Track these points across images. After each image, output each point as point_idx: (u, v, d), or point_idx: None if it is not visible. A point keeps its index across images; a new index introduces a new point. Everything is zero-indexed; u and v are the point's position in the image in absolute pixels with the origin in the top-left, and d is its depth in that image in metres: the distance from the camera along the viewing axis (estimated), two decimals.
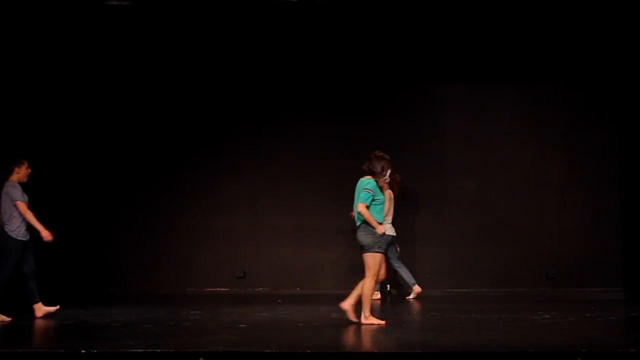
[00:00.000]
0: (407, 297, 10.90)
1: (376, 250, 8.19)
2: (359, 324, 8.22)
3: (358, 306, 8.29)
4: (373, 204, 8.25)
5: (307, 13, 11.00)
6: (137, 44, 11.70)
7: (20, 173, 9.11)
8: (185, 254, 11.99)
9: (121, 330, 8.14)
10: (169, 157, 11.94)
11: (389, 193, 10.79)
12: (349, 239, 11.84)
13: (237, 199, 11.94)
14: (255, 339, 7.67)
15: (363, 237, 8.23)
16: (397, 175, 10.84)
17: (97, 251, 11.85)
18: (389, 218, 10.82)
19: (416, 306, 10.04)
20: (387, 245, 10.72)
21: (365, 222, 8.23)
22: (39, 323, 8.65)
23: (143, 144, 12.01)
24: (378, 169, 8.41)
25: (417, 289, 10.91)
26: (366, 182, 8.35)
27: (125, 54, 11.80)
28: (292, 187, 11.97)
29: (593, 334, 7.79)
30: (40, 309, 9.07)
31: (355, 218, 8.38)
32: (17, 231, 8.90)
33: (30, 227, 8.99)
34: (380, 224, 8.23)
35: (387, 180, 10.77)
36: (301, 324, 8.41)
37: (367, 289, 8.19)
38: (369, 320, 8.21)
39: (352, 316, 8.32)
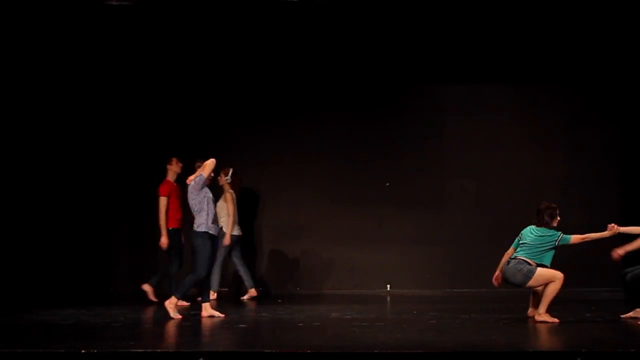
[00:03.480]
0: (241, 298, 10.86)
1: (530, 276, 8.45)
2: (352, 322, 8.23)
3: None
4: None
5: (307, 13, 11.00)
6: (137, 44, 11.69)
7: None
8: (186, 254, 11.98)
9: (121, 330, 8.14)
10: (169, 157, 11.91)
11: (231, 194, 10.83)
12: (350, 238, 11.88)
13: (237, 198, 11.92)
14: (255, 339, 7.67)
15: (516, 274, 8.53)
16: (239, 177, 10.90)
17: (97, 251, 11.84)
18: (235, 218, 10.83)
19: (416, 306, 10.02)
20: (233, 245, 10.79)
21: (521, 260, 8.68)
22: (39, 323, 8.64)
23: (143, 143, 12.00)
24: (546, 219, 9.11)
25: (252, 292, 10.84)
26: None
27: (125, 54, 11.80)
28: (292, 187, 11.97)
29: (593, 334, 7.79)
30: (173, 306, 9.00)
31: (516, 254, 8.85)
32: (203, 225, 8.83)
33: (216, 222, 9.01)
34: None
35: (229, 181, 10.85)
36: (301, 324, 8.41)
37: (550, 290, 8.42)
38: (542, 317, 8.41)
39: (550, 319, 8.40)
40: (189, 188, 8.88)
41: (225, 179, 10.76)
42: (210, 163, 8.81)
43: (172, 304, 8.70)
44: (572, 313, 9.20)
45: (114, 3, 10.54)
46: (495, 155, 11.95)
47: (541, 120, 11.98)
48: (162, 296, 9.64)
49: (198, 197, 8.79)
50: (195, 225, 8.81)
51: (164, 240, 10.19)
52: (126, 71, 11.95)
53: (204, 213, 8.78)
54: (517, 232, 11.86)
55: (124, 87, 12.04)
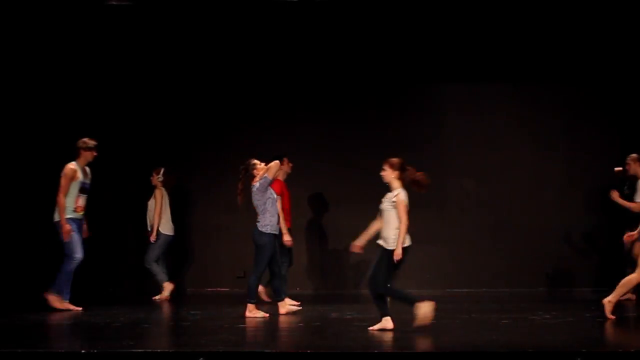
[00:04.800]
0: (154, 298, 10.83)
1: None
2: (352, 322, 8.22)
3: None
4: None
5: (307, 13, 11.01)
6: (137, 44, 11.70)
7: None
8: (186, 254, 12.00)
9: (121, 330, 8.14)
10: (168, 157, 11.92)
11: (160, 192, 10.96)
12: (349, 238, 11.87)
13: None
14: (255, 339, 7.67)
15: None
16: (172, 176, 10.92)
17: (97, 251, 11.83)
18: (166, 217, 10.97)
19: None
20: (165, 245, 10.81)
21: None
22: (39, 323, 8.63)
23: (142, 144, 12.00)
24: None
25: (169, 286, 10.87)
26: None
27: (125, 54, 11.80)
28: (291, 187, 11.93)
29: (593, 334, 7.79)
30: (284, 306, 9.20)
31: None
32: (268, 227, 8.91)
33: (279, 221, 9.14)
34: None
35: (161, 179, 10.93)
36: (301, 324, 8.41)
37: (627, 281, 8.51)
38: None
39: (608, 313, 8.48)
40: (254, 189, 9.01)
41: (157, 178, 10.90)
42: (275, 165, 8.95)
43: (252, 311, 8.93)
44: (572, 313, 9.20)
45: (114, 3, 10.55)
46: (495, 155, 11.95)
47: (541, 120, 11.97)
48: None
49: (263, 198, 8.97)
50: (260, 226, 8.95)
51: (287, 239, 10.07)
52: (126, 71, 11.94)
53: (268, 214, 8.95)
54: (517, 232, 11.92)
55: (124, 86, 12.04)
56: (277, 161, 9.03)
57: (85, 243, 11.74)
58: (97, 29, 11.33)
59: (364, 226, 11.94)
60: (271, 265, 9.15)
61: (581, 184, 11.86)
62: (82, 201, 9.73)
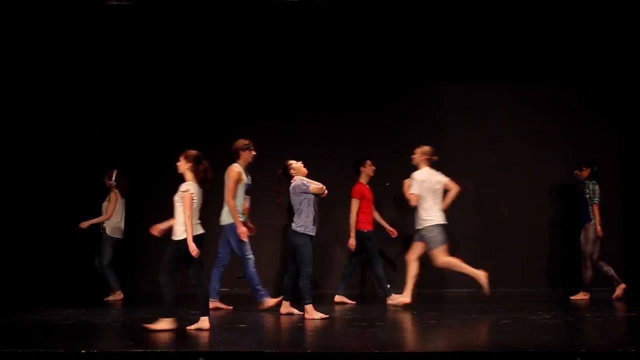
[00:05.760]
0: (105, 299, 10.71)
1: None
2: (352, 322, 8.22)
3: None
4: None
5: (307, 13, 11.00)
6: (137, 44, 11.69)
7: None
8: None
9: (121, 330, 8.14)
10: (168, 157, 11.88)
11: (115, 194, 10.95)
12: (348, 238, 11.87)
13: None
14: (255, 339, 7.67)
15: None
16: (125, 177, 10.96)
17: (97, 251, 11.83)
18: (116, 219, 10.98)
19: (416, 306, 10.02)
20: (114, 247, 10.80)
21: None
22: (39, 323, 8.63)
23: (142, 144, 12.00)
24: None
25: (119, 295, 10.77)
26: None
27: (125, 54, 11.80)
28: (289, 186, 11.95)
29: (593, 334, 7.79)
30: (287, 307, 9.16)
31: None
32: (301, 227, 8.89)
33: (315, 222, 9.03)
34: None
35: (114, 184, 10.91)
36: (301, 324, 8.41)
37: None
38: None
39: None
40: (290, 187, 9.06)
41: (110, 183, 10.94)
42: (321, 188, 9.02)
43: (310, 313, 8.81)
44: (572, 313, 9.21)
45: (114, 3, 10.55)
46: (495, 155, 11.95)
47: (541, 120, 11.97)
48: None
49: (298, 198, 8.99)
50: (294, 226, 8.95)
51: (351, 242, 10.17)
52: (126, 71, 11.94)
53: (303, 215, 8.94)
54: (517, 232, 11.91)
55: (124, 86, 12.03)
56: (324, 188, 9.03)
57: (87, 243, 11.77)
58: (97, 29, 11.32)
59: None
60: (294, 263, 9.15)
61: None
62: (247, 203, 9.66)
